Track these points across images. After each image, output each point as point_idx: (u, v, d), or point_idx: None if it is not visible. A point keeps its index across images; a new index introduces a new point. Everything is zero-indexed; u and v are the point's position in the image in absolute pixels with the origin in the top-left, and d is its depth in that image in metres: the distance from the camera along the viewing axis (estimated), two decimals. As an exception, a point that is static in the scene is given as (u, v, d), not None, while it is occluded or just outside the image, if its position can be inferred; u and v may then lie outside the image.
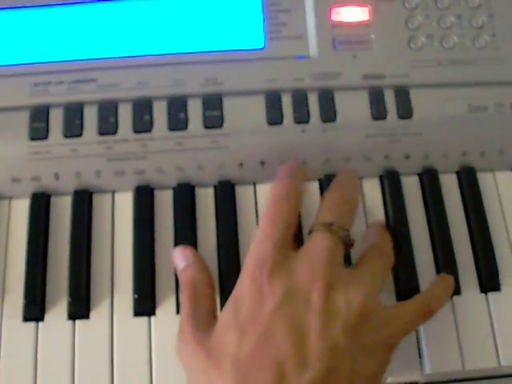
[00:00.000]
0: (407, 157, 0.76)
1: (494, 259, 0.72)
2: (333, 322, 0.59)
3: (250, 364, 0.57)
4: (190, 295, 0.64)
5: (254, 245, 0.63)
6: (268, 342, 0.58)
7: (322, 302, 0.59)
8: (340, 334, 0.58)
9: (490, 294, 0.71)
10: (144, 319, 0.69)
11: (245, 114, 0.74)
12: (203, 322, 0.63)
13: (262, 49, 0.76)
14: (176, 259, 0.68)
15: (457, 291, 0.71)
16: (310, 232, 0.65)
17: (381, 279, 0.65)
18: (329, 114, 0.75)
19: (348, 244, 0.65)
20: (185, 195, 0.74)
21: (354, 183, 0.72)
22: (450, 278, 0.69)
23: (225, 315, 0.62)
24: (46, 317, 0.70)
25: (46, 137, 0.73)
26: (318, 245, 0.63)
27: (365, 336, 0.60)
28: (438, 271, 0.72)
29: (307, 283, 0.60)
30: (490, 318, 0.70)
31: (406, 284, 0.71)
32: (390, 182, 0.75)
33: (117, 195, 0.75)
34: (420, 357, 0.69)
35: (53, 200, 0.75)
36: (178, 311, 0.70)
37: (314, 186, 0.76)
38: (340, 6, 0.77)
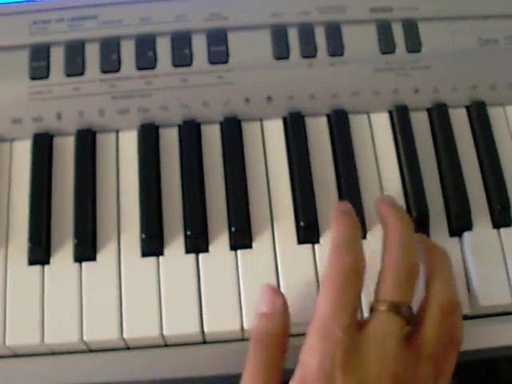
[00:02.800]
0: (416, 91, 0.74)
1: (506, 194, 0.71)
2: None
3: None
4: (262, 357, 0.60)
5: (319, 328, 0.59)
6: None
7: None
8: None
9: (503, 230, 0.70)
10: (152, 259, 0.68)
11: (251, 49, 0.73)
12: None
13: (266, -18, 0.75)
14: (262, 298, 0.64)
15: (469, 227, 0.70)
16: (374, 308, 0.60)
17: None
18: (336, 47, 0.74)
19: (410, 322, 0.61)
20: (190, 132, 0.73)
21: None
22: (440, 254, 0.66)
23: None
24: (52, 260, 0.68)
25: (47, 76, 0.72)
26: (386, 330, 0.59)
27: None
28: (450, 207, 0.71)
29: (377, 376, 0.57)
30: (503, 254, 0.69)
31: (417, 220, 0.69)
32: (400, 117, 0.74)
33: (121, 134, 0.74)
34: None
35: (55, 140, 0.73)
36: (186, 250, 0.68)
37: (322, 121, 0.75)
38: None
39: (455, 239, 0.70)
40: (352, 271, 0.60)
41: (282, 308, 0.63)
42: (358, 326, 0.59)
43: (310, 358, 0.58)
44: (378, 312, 0.60)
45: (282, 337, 0.61)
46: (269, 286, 0.64)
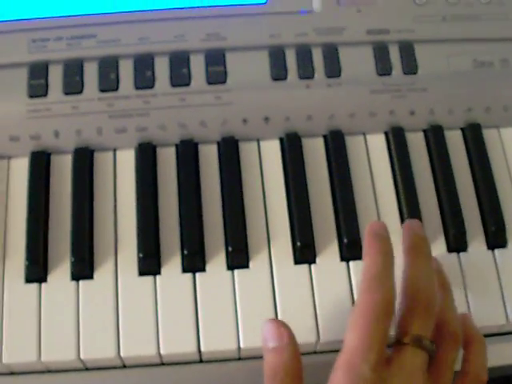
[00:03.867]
0: (412, 113, 0.75)
1: (501, 215, 0.72)
2: None
3: None
4: None
5: (347, 364, 0.58)
6: None
7: None
8: None
9: (497, 251, 0.71)
10: (149, 278, 0.68)
11: (248, 70, 0.74)
12: None
13: (264, 4, 0.75)
14: (267, 333, 0.61)
15: (463, 248, 0.71)
16: (398, 339, 0.60)
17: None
18: (333, 69, 0.74)
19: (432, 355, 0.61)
20: (188, 152, 0.73)
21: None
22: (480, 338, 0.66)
23: None
24: (49, 278, 0.68)
25: (45, 94, 0.72)
26: (412, 365, 0.59)
27: None
28: (445, 228, 0.71)
29: None
30: (498, 275, 0.70)
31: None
32: (396, 138, 0.75)
33: (118, 153, 0.74)
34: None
35: (53, 159, 0.73)
36: (183, 270, 0.69)
37: (319, 142, 0.75)
38: (344, -41, 0.76)
39: (454, 257, 0.71)
40: (382, 309, 0.59)
41: (289, 339, 0.61)
42: (385, 361, 0.59)
43: None
44: (402, 345, 0.60)
45: (295, 367, 0.60)
46: (270, 319, 0.63)
